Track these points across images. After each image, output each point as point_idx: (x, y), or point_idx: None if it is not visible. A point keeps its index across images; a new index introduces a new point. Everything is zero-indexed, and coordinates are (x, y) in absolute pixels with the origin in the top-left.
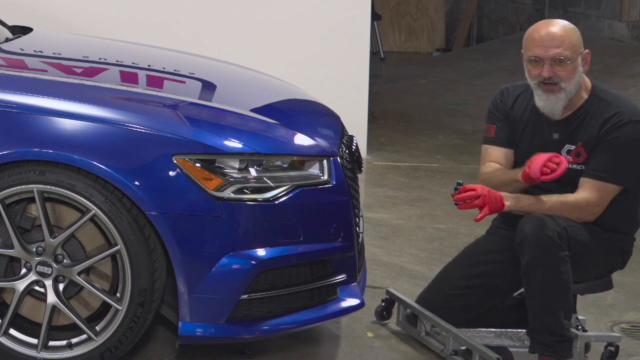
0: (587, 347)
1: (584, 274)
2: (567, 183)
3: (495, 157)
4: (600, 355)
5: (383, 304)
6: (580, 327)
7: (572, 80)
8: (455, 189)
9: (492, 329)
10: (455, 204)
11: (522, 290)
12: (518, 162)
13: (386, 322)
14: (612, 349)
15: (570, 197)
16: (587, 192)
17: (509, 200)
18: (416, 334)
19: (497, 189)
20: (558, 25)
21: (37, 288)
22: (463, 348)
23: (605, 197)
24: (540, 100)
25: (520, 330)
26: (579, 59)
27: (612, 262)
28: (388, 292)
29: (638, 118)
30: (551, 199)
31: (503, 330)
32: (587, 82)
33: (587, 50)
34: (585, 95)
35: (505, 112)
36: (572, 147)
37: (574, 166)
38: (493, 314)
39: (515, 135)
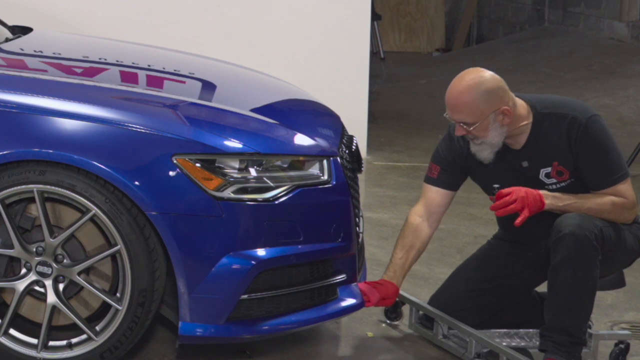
0: (587, 342)
1: (608, 269)
2: None
3: (434, 200)
4: (610, 352)
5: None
6: (591, 325)
7: (488, 135)
8: (493, 194)
9: (504, 329)
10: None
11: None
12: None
13: (396, 323)
14: (622, 346)
15: (607, 200)
16: (618, 197)
17: (549, 199)
18: (432, 337)
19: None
20: (463, 91)
21: (37, 288)
22: (485, 350)
23: (632, 193)
24: (471, 147)
25: (531, 330)
26: (490, 117)
27: (634, 254)
28: (398, 295)
29: (589, 114)
30: (589, 201)
31: (515, 330)
32: (523, 105)
33: (504, 107)
34: (529, 118)
35: (458, 157)
36: (549, 170)
37: (563, 184)
38: (503, 313)
39: (472, 174)
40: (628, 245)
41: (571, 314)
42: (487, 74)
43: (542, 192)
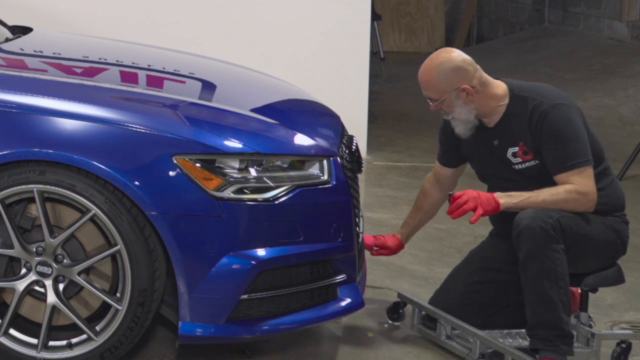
0: (589, 342)
1: (588, 263)
2: (534, 180)
3: (440, 174)
4: (612, 351)
5: (392, 305)
6: (593, 325)
7: (455, 111)
8: (448, 199)
9: (505, 330)
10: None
11: None
12: (476, 171)
13: (397, 324)
14: (624, 346)
15: (560, 190)
16: (571, 184)
17: (503, 199)
18: (435, 338)
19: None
20: (428, 69)
21: (37, 288)
22: (489, 351)
23: (589, 181)
24: (451, 122)
25: None
26: (453, 94)
27: (611, 245)
28: (400, 295)
29: (555, 102)
30: (543, 193)
31: (516, 330)
32: (502, 86)
33: (464, 86)
34: (505, 100)
35: (447, 135)
36: (516, 149)
37: (528, 164)
38: (503, 314)
39: (463, 151)
40: (601, 236)
41: (548, 307)
42: (454, 54)
43: (495, 193)
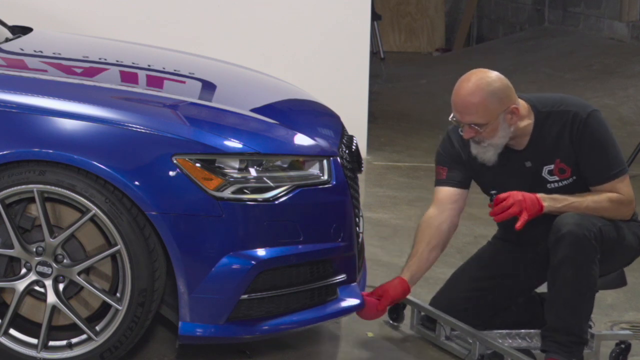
0: (588, 342)
1: (608, 267)
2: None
3: (446, 198)
4: (611, 352)
5: (392, 306)
6: (592, 325)
7: (496, 137)
8: (491, 200)
9: (505, 330)
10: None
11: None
12: (483, 190)
13: (397, 324)
14: (624, 346)
15: (604, 197)
16: (615, 193)
17: (547, 201)
18: (434, 339)
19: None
20: (474, 89)
21: (37, 288)
22: (489, 352)
23: (630, 189)
24: (473, 149)
25: (531, 330)
26: (501, 117)
27: (633, 251)
28: None
29: (589, 109)
30: (587, 200)
31: (516, 331)
32: (524, 105)
33: (513, 106)
34: (531, 118)
35: (452, 155)
36: (552, 167)
37: (565, 182)
38: (504, 314)
39: (478, 173)
40: (627, 244)
41: (573, 313)
42: (493, 74)
43: (539, 195)
